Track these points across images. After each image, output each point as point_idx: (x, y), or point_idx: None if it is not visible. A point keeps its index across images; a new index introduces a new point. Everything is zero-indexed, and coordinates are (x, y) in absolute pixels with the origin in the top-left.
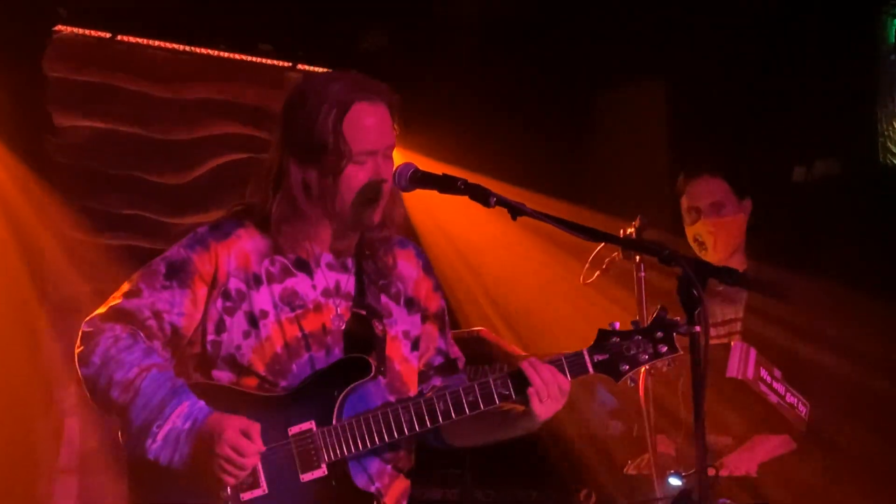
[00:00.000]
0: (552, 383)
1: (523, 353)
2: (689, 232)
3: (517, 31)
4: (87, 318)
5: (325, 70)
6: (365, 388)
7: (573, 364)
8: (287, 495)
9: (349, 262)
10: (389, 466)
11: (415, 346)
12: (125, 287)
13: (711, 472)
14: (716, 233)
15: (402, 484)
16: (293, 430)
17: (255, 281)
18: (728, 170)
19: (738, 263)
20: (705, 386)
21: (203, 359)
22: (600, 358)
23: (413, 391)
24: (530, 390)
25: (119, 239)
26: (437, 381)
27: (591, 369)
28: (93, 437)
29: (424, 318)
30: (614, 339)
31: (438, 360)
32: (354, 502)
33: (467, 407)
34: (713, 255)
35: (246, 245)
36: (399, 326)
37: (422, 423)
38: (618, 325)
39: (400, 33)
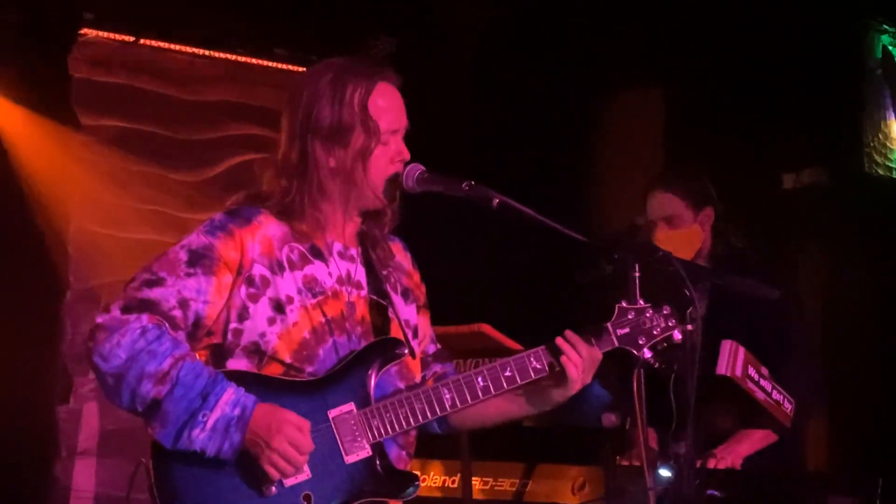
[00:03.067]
0: (588, 356)
1: (522, 349)
2: None
3: (517, 37)
4: (102, 311)
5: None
6: (382, 374)
7: (600, 337)
8: (331, 478)
9: (353, 251)
10: (404, 452)
11: (415, 334)
12: (142, 276)
13: (699, 464)
14: (670, 244)
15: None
16: (333, 412)
17: (279, 267)
18: (682, 183)
19: None
20: (696, 382)
21: (219, 349)
22: (622, 332)
23: (419, 377)
24: (565, 361)
25: (140, 233)
26: (437, 368)
27: (616, 342)
28: (110, 420)
29: (418, 308)
30: (630, 315)
31: (432, 349)
32: (400, 481)
33: (505, 382)
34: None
35: (268, 231)
36: (401, 315)
37: (463, 399)
38: (623, 302)
39: (406, 40)
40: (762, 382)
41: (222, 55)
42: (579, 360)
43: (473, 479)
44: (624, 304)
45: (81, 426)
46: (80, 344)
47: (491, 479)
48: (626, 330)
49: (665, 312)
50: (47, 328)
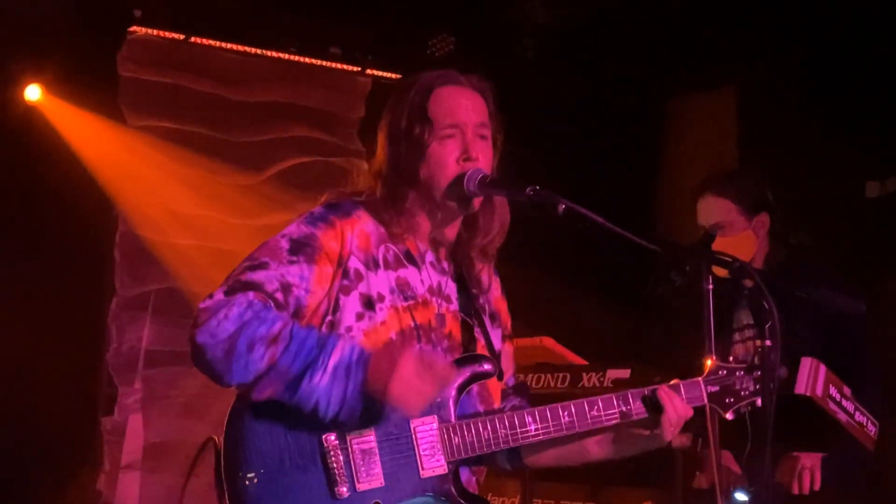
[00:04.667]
0: (682, 413)
1: (585, 363)
2: None
3: (584, 38)
4: (204, 299)
5: (395, 75)
6: (467, 392)
7: (691, 393)
8: (403, 489)
9: (445, 264)
10: (474, 479)
11: (498, 360)
12: (244, 263)
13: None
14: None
15: None
16: (415, 423)
17: (374, 264)
18: (735, 187)
19: None
20: (775, 401)
21: None
22: (712, 389)
23: (497, 403)
24: (664, 418)
25: (187, 238)
26: (516, 401)
27: (705, 399)
28: (156, 433)
29: (504, 337)
30: (722, 372)
31: (513, 381)
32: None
33: (590, 420)
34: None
35: (366, 226)
36: (489, 337)
37: (547, 432)
38: (714, 359)
39: (466, 39)
40: (844, 403)
41: (274, 54)
42: (675, 416)
43: (535, 500)
44: (718, 362)
45: (126, 439)
46: (126, 353)
47: (552, 502)
48: (717, 388)
49: (756, 376)
50: (92, 336)
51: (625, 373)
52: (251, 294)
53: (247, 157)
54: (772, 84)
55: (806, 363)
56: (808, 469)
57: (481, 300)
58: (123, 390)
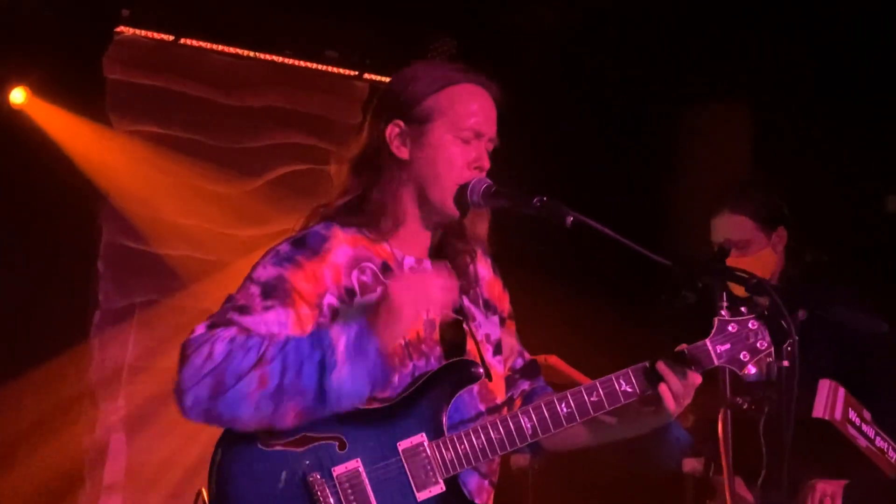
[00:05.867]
0: (688, 382)
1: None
2: None
3: (594, 43)
4: (189, 335)
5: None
6: (460, 396)
7: (698, 357)
8: None
9: (427, 264)
10: (486, 482)
11: (497, 349)
12: (228, 305)
13: None
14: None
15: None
16: (403, 444)
17: (349, 295)
18: (752, 203)
19: None
20: (792, 424)
21: None
22: (722, 348)
23: (501, 398)
24: (663, 389)
25: (176, 249)
26: (525, 385)
27: (716, 360)
28: (139, 452)
29: (502, 321)
30: (731, 327)
31: (520, 363)
32: None
33: (591, 407)
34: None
35: (336, 258)
36: (482, 330)
37: (545, 428)
38: (723, 313)
39: (469, 43)
40: (864, 428)
41: (268, 57)
42: (679, 386)
43: None
44: (724, 316)
45: (108, 458)
46: (109, 368)
47: None
48: (727, 346)
49: (774, 324)
50: (74, 350)
51: (681, 356)
52: (234, 329)
53: (238, 164)
54: (788, 93)
55: (824, 386)
56: (829, 497)
57: (472, 291)
58: (106, 407)
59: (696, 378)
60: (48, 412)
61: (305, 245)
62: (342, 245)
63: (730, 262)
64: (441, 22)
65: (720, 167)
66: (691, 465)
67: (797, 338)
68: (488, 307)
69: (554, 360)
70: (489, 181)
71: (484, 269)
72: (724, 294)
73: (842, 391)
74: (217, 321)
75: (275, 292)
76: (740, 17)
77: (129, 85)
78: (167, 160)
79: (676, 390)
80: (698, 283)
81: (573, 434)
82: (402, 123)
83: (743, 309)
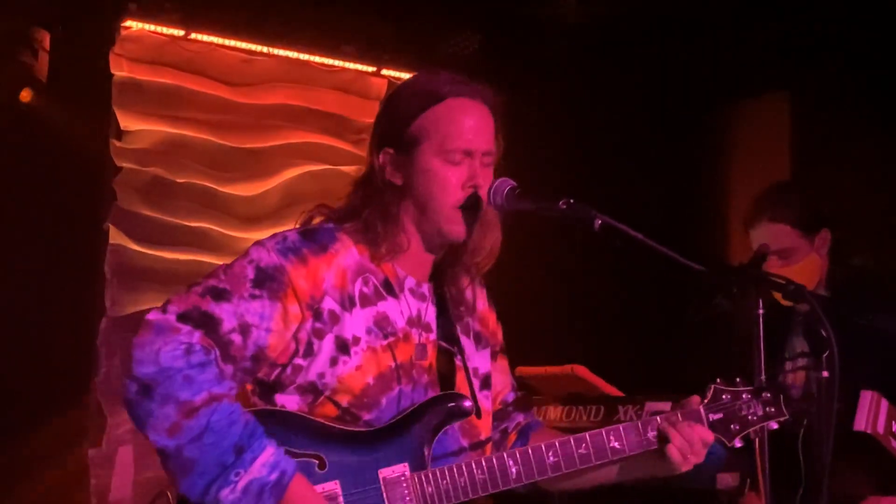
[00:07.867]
0: (696, 440)
1: (621, 394)
2: None
3: (621, 39)
4: (158, 309)
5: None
6: (448, 428)
7: (691, 419)
8: None
9: (425, 288)
10: None
11: (484, 384)
12: (209, 282)
13: None
14: None
15: None
16: (384, 472)
17: (350, 302)
18: (791, 208)
19: None
20: (833, 437)
21: (270, 383)
22: (715, 417)
23: (485, 434)
24: (670, 449)
25: (183, 252)
26: (520, 418)
27: (706, 426)
28: (147, 466)
29: (494, 354)
30: (725, 397)
31: (512, 396)
32: None
33: (578, 460)
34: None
35: (343, 261)
36: (470, 363)
37: (529, 475)
38: (718, 381)
39: (491, 37)
40: None
41: (281, 53)
42: (686, 445)
43: None
44: (719, 385)
45: (115, 473)
46: (116, 378)
47: None
48: (720, 415)
49: (765, 398)
50: (79, 360)
51: (665, 405)
52: (197, 336)
53: (250, 165)
54: (828, 89)
55: (866, 397)
56: None
57: (465, 320)
58: (113, 420)
59: (707, 436)
60: (52, 424)
61: (315, 239)
62: (350, 249)
63: (775, 272)
64: (462, 15)
65: (756, 168)
66: (726, 480)
67: (837, 348)
68: (479, 340)
69: (580, 369)
70: (513, 182)
71: (478, 298)
72: (760, 301)
73: (885, 403)
74: (188, 312)
75: (269, 282)
76: (778, 7)
77: (136, 83)
78: (175, 160)
79: (684, 450)
80: (732, 289)
81: (573, 476)
82: (391, 151)
83: (738, 380)
